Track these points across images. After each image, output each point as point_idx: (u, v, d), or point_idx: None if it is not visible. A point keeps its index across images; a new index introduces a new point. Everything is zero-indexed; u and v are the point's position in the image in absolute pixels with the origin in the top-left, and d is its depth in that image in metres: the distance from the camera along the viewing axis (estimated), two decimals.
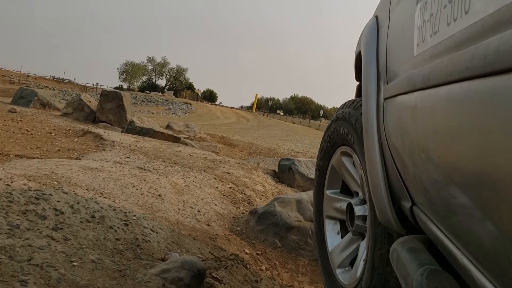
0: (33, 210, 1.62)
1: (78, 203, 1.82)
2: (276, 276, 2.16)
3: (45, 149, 3.81)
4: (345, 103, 1.61)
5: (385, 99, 1.08)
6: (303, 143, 18.06)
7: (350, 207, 1.48)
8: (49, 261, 1.32)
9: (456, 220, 0.64)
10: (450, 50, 0.60)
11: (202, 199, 2.79)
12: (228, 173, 4.14)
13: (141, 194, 2.36)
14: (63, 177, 2.16)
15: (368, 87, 1.19)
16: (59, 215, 1.67)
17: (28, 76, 65.48)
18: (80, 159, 3.14)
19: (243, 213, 2.86)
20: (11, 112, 7.39)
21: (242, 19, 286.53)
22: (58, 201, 1.76)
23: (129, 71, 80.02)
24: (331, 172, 1.74)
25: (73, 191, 1.93)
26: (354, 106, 1.46)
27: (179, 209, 2.42)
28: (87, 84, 69.79)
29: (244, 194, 3.53)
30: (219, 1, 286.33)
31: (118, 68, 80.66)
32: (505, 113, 0.42)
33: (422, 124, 0.74)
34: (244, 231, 2.52)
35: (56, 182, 2.04)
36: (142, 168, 2.94)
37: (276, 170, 5.61)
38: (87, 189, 2.08)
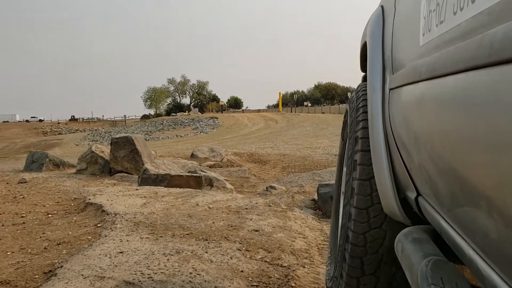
0: None
1: None
2: None
3: (29, 250, 3.08)
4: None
5: (390, 89, 1.08)
6: (339, 135, 16.96)
7: None
8: None
9: (462, 210, 0.64)
10: (456, 39, 0.59)
11: None
12: (256, 231, 3.26)
13: None
14: None
15: (373, 78, 1.20)
16: None
17: (58, 123, 67.49)
18: (53, 275, 2.36)
19: None
20: (21, 183, 6.86)
21: (245, 22, 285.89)
22: None
23: (153, 96, 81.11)
24: None
25: None
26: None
27: None
28: (115, 118, 71.25)
29: (281, 266, 2.64)
30: (219, 11, 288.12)
31: (141, 96, 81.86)
32: (511, 101, 0.41)
33: (427, 114, 0.74)
34: None
35: None
36: (129, 283, 2.11)
37: (316, 198, 4.68)
38: None
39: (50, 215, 4.21)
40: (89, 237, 3.23)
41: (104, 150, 7.98)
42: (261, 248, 2.92)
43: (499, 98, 0.44)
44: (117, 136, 7.60)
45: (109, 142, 7.83)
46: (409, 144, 0.88)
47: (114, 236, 3.07)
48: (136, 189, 5.18)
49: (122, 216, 3.66)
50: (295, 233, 3.34)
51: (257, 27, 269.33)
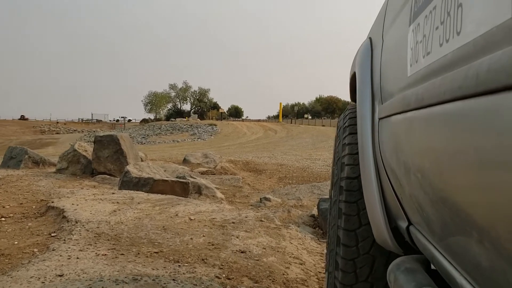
0: None
1: None
2: None
3: None
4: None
5: (379, 119, 1.09)
6: None
7: None
8: None
9: (454, 240, 0.63)
10: (443, 70, 0.60)
11: None
12: (242, 252, 2.65)
13: None
14: None
15: (363, 107, 1.21)
16: None
17: (57, 122, 66.77)
18: None
19: None
20: None
21: (250, 32, 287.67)
22: None
23: (154, 101, 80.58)
24: None
25: None
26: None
27: None
28: (115, 121, 70.59)
29: None
30: (225, 18, 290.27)
31: (142, 100, 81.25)
32: (498, 130, 0.42)
33: (416, 143, 0.75)
34: None
35: None
36: None
37: (316, 214, 4.07)
38: None
39: (3, 219, 3.58)
40: (35, 250, 2.61)
41: (87, 149, 7.37)
42: (246, 276, 2.31)
43: (486, 128, 0.44)
44: (101, 134, 7.00)
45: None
46: (399, 174, 0.88)
47: (63, 251, 2.45)
48: (113, 193, 4.56)
49: (83, 225, 3.04)
50: (290, 257, 2.72)
51: (263, 37, 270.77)
